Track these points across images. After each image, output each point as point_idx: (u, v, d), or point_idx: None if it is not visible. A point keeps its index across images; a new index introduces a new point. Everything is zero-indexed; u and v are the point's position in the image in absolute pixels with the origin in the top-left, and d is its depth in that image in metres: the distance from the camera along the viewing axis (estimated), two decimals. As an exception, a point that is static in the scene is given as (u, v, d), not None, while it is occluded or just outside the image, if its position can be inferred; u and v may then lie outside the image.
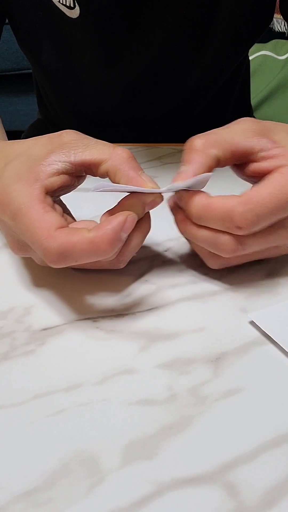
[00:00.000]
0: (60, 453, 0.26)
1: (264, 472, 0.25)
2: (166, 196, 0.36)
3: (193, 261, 0.40)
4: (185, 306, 0.36)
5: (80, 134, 0.36)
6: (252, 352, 0.32)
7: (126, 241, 0.35)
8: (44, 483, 0.25)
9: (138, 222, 0.35)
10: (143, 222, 0.36)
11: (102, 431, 0.27)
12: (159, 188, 0.35)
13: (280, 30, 1.65)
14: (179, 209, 0.37)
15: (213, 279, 0.38)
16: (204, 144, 0.36)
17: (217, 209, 0.34)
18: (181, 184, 0.34)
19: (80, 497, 0.24)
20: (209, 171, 0.35)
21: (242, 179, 0.39)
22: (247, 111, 0.83)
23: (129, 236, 0.34)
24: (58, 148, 0.35)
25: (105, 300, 0.36)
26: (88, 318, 0.35)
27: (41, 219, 0.32)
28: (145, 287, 0.38)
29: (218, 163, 0.36)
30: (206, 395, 0.29)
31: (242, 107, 0.80)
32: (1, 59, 1.71)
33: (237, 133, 0.36)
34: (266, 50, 1.45)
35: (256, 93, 1.36)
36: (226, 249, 0.35)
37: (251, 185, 0.37)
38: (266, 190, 0.33)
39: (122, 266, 0.36)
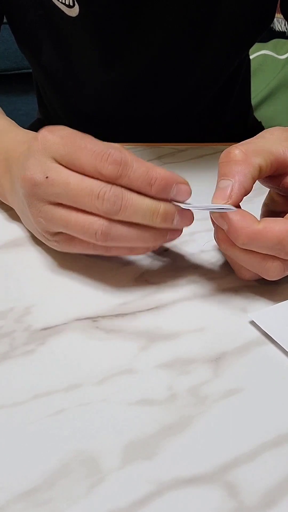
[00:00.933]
0: (60, 453, 0.26)
1: (264, 472, 0.25)
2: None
3: (193, 261, 0.40)
4: (185, 306, 0.36)
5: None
6: (252, 352, 0.32)
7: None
8: (44, 483, 0.25)
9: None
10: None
11: (102, 431, 0.27)
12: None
13: (281, 30, 1.65)
14: (218, 227, 0.34)
15: (213, 279, 0.38)
16: (246, 154, 0.34)
17: (268, 237, 0.32)
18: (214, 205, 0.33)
19: (80, 497, 0.24)
20: (253, 183, 0.34)
21: (274, 190, 0.37)
22: (247, 111, 0.83)
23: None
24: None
25: (105, 300, 0.36)
26: (88, 318, 0.35)
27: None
28: (145, 287, 0.37)
29: (260, 174, 0.34)
30: (206, 395, 0.29)
31: (242, 107, 0.80)
32: (1, 59, 1.71)
33: (274, 142, 0.35)
34: (267, 49, 1.44)
35: (256, 92, 1.36)
36: (274, 274, 0.34)
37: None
38: None
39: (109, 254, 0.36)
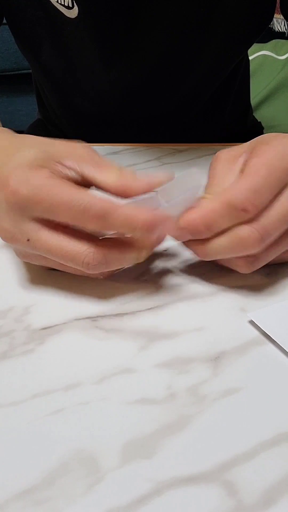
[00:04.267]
0: (59, 452, 0.26)
1: (263, 471, 0.25)
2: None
3: (193, 260, 0.40)
4: (185, 306, 0.36)
5: (91, 148, 0.36)
6: (252, 351, 0.32)
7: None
8: (43, 482, 0.25)
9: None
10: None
11: (101, 430, 0.27)
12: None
13: (280, 30, 1.65)
14: (189, 242, 0.36)
15: (212, 278, 0.38)
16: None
17: (217, 207, 0.34)
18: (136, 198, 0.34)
19: (79, 496, 0.24)
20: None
21: None
22: (247, 111, 0.83)
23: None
24: (74, 156, 0.35)
25: (104, 299, 0.36)
26: (88, 318, 0.35)
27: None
28: (144, 287, 0.38)
29: None
30: (205, 394, 0.29)
31: (241, 107, 0.80)
32: (1, 59, 1.72)
33: (225, 173, 0.37)
34: (266, 50, 1.44)
35: (256, 93, 1.36)
36: (251, 241, 0.33)
37: None
38: (250, 169, 0.34)
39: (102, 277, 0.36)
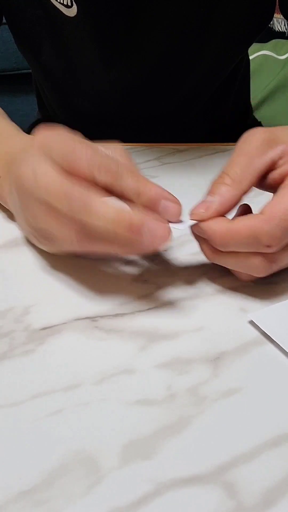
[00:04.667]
0: (59, 452, 0.26)
1: (263, 472, 0.25)
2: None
3: (193, 261, 0.40)
4: (185, 306, 0.36)
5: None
6: (252, 352, 0.32)
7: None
8: (43, 483, 0.25)
9: None
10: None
11: (101, 430, 0.27)
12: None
13: (280, 30, 1.65)
14: (200, 238, 0.36)
15: (212, 279, 0.38)
16: (234, 180, 0.35)
17: (242, 234, 0.33)
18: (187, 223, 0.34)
19: (79, 497, 0.24)
20: (238, 200, 0.35)
21: (263, 190, 0.38)
22: (247, 111, 0.83)
23: None
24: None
25: (104, 299, 0.36)
26: (87, 318, 0.35)
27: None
28: (144, 287, 0.37)
29: (245, 192, 0.35)
30: (205, 395, 0.29)
31: (241, 107, 0.80)
32: (1, 59, 1.71)
33: (257, 155, 0.35)
34: (266, 50, 1.44)
35: (256, 93, 1.36)
36: (260, 271, 0.34)
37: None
38: (287, 200, 0.33)
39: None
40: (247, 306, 0.36)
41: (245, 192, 0.35)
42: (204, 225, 0.34)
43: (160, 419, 0.28)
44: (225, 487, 0.24)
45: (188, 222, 0.35)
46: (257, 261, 0.34)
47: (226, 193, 0.35)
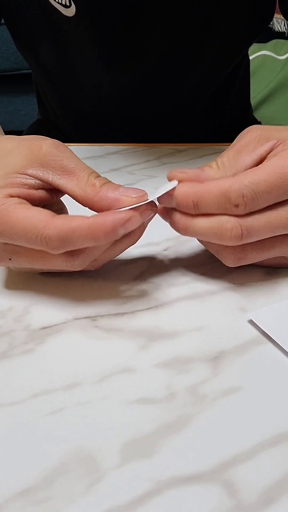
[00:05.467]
0: (58, 451, 0.26)
1: (263, 470, 0.25)
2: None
3: (192, 260, 0.40)
4: (184, 305, 0.36)
5: (60, 150, 0.35)
6: (251, 351, 0.32)
7: (109, 246, 0.34)
8: (43, 482, 0.25)
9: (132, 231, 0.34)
10: (136, 231, 0.35)
11: (101, 429, 0.27)
12: (145, 196, 0.34)
13: (280, 30, 1.66)
14: (171, 211, 0.36)
15: (212, 278, 0.38)
16: (219, 168, 0.36)
17: (212, 192, 0.33)
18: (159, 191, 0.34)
19: (78, 496, 0.24)
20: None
21: None
22: (247, 111, 0.83)
23: (115, 241, 0.34)
24: (36, 163, 0.34)
25: (104, 299, 0.36)
26: (87, 317, 0.35)
27: (32, 214, 0.32)
28: (144, 286, 0.38)
29: None
30: (205, 394, 0.29)
31: (241, 107, 0.80)
32: (1, 59, 1.72)
33: (243, 149, 0.36)
34: (266, 50, 1.45)
35: (256, 93, 1.36)
36: (231, 234, 0.33)
37: None
38: (263, 169, 0.33)
39: (95, 268, 0.36)
40: (247, 306, 0.36)
41: None
42: (177, 189, 0.34)
43: (160, 418, 0.28)
44: (224, 486, 0.24)
45: (157, 193, 0.34)
46: (226, 219, 0.33)
47: (208, 171, 0.35)
